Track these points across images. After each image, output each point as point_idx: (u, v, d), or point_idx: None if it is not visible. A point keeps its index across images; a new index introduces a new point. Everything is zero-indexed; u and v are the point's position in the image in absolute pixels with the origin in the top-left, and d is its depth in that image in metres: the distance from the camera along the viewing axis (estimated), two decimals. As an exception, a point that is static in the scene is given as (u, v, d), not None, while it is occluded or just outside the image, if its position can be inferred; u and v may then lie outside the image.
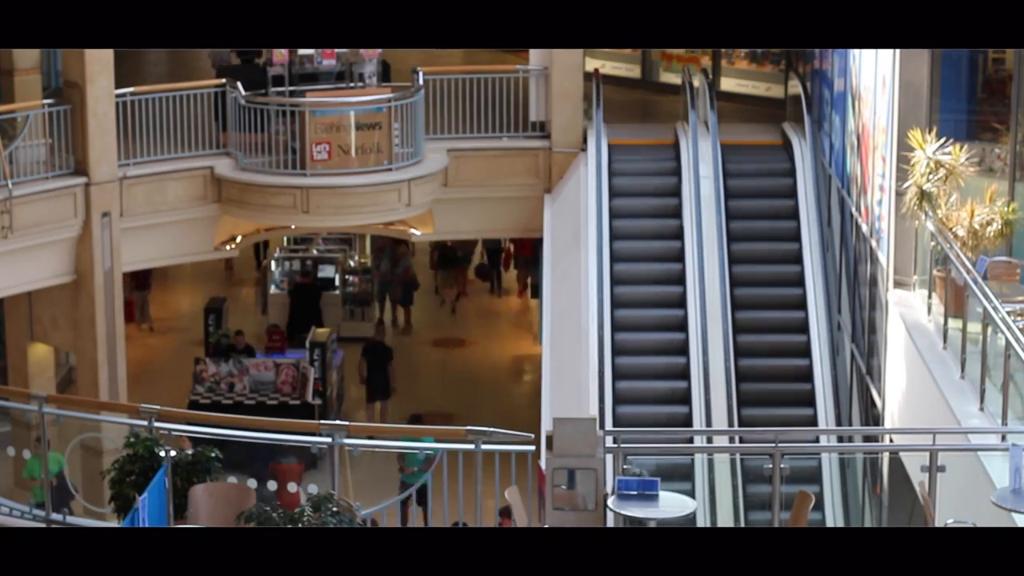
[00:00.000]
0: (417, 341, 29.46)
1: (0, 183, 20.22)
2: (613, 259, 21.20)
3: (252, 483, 13.68)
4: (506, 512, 15.97)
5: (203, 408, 23.22)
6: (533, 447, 13.47)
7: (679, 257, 21.18)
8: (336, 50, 23.53)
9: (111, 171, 21.44)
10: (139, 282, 29.41)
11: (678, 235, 21.45)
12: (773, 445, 12.61)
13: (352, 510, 12.74)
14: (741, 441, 17.46)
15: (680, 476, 17.63)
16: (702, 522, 17.36)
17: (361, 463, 18.67)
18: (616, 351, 20.18)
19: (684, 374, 19.89)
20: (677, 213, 21.75)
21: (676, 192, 21.99)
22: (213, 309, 28.04)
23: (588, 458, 12.36)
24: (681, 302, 20.65)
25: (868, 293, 18.36)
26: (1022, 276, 15.21)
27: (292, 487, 14.36)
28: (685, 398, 19.67)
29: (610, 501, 12.24)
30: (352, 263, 30.43)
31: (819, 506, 17.92)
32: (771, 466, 12.49)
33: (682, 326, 20.39)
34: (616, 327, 20.44)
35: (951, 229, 15.54)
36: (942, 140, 15.89)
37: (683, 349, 20.16)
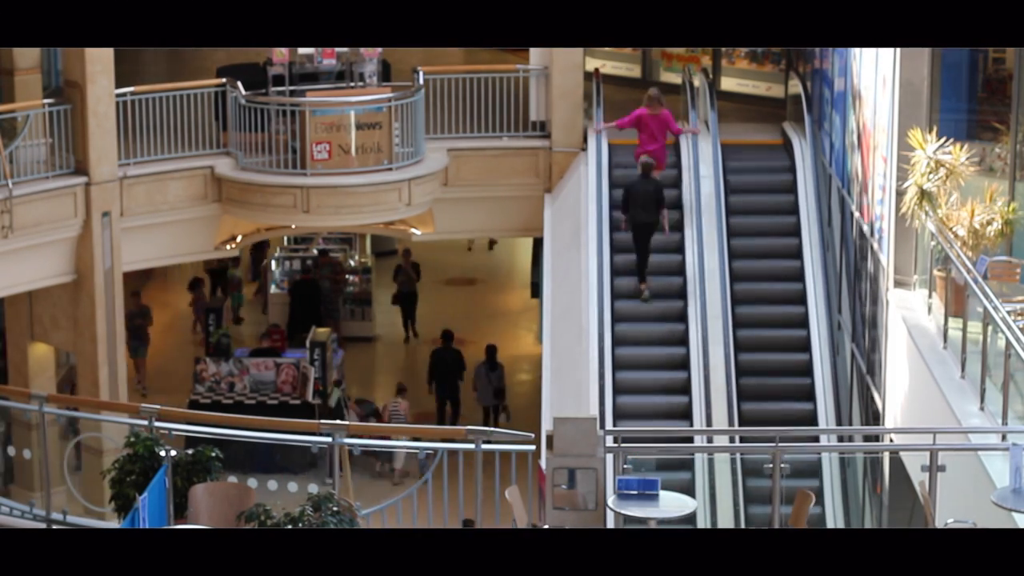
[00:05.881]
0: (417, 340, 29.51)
1: (0, 183, 20.22)
2: (613, 257, 21.19)
3: (252, 483, 13.69)
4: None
5: (203, 408, 23.20)
6: (533, 447, 13.47)
7: (680, 257, 21.20)
8: (336, 49, 23.52)
9: (111, 171, 21.43)
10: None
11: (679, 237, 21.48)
12: (773, 445, 12.62)
13: (352, 510, 12.74)
14: (741, 441, 17.47)
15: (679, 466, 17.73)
16: (701, 514, 17.38)
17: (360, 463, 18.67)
18: (616, 348, 20.18)
19: (684, 365, 19.92)
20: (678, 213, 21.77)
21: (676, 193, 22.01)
22: (213, 309, 28.02)
23: (588, 458, 12.36)
24: (682, 297, 20.68)
25: (868, 293, 18.35)
26: (1022, 276, 15.19)
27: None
28: (685, 391, 19.69)
29: (610, 501, 12.24)
30: (352, 263, 30.43)
31: (819, 505, 17.92)
32: (771, 465, 12.50)
33: (682, 320, 20.43)
34: (616, 327, 20.43)
35: (951, 229, 15.53)
36: (942, 140, 15.88)
37: (683, 339, 20.19)
